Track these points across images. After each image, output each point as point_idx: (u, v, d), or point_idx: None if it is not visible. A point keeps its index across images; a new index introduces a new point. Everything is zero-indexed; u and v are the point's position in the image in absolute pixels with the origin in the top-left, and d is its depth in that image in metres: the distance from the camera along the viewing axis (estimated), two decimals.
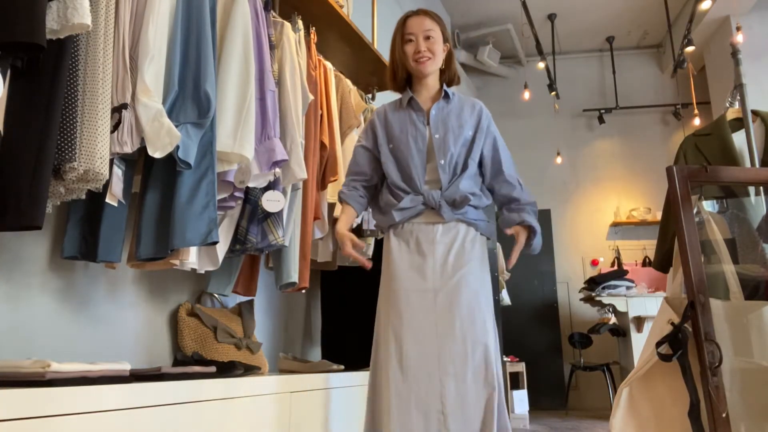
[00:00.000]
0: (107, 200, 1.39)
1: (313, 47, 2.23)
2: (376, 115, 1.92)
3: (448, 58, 1.89)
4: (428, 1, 5.41)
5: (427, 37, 1.81)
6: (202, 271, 1.80)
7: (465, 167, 1.80)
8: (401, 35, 1.84)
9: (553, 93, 6.21)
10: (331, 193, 2.24)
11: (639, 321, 4.72)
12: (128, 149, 1.34)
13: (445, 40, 1.87)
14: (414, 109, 1.85)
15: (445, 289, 1.69)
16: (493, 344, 1.68)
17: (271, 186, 1.81)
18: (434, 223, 1.76)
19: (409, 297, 1.70)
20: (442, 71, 1.88)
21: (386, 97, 3.30)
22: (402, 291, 1.71)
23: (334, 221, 2.35)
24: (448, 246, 1.74)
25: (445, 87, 1.87)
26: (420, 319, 1.68)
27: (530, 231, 1.76)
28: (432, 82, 1.87)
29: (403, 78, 1.89)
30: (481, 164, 1.87)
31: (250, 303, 2.11)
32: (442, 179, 1.77)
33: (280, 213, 1.82)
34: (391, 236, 1.81)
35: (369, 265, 1.84)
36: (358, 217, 1.90)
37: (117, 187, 1.41)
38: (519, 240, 1.75)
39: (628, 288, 4.96)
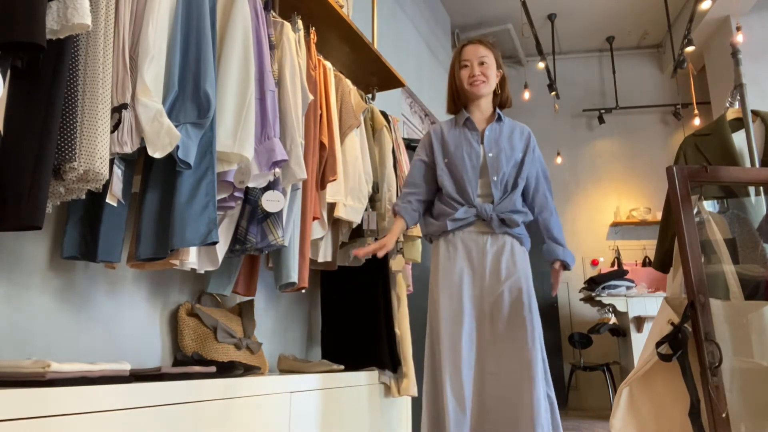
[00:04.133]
0: (107, 200, 1.39)
1: (313, 47, 2.22)
2: (433, 132, 2.12)
3: (502, 83, 2.09)
4: (428, 2, 5.41)
5: (482, 63, 2.01)
6: (202, 271, 1.80)
7: (515, 186, 1.99)
8: (458, 62, 2.04)
9: (553, 93, 6.21)
10: (330, 193, 2.24)
11: (639, 321, 4.72)
12: (128, 149, 1.34)
13: (499, 67, 2.06)
14: (469, 129, 2.03)
15: (495, 296, 1.88)
16: (539, 348, 1.81)
17: (270, 186, 1.81)
18: (484, 233, 1.96)
19: (461, 302, 1.88)
20: (495, 95, 2.08)
21: (386, 97, 3.30)
22: (453, 296, 1.90)
23: (333, 221, 2.35)
24: (497, 256, 1.93)
25: (498, 110, 2.06)
26: (470, 323, 1.86)
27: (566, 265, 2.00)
28: (485, 104, 2.06)
29: (463, 102, 2.08)
30: (526, 185, 2.05)
31: (250, 303, 2.11)
32: (495, 195, 1.95)
33: (279, 213, 1.82)
34: (441, 243, 1.99)
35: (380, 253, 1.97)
36: (407, 229, 2.11)
37: (117, 187, 1.41)
38: (557, 271, 2.01)
39: (628, 288, 4.96)
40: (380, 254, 1.95)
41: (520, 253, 1.97)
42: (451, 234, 1.97)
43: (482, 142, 2.00)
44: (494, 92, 2.08)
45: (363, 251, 1.93)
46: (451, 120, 2.11)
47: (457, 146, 2.00)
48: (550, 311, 6.26)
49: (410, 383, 2.47)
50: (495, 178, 1.95)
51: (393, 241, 1.99)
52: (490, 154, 1.97)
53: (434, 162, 2.04)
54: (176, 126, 1.39)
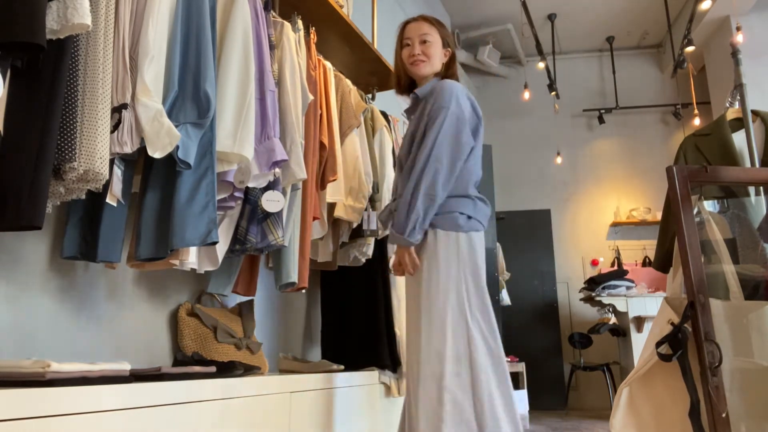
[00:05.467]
0: (107, 200, 1.39)
1: (313, 47, 2.23)
2: None
3: (449, 63, 1.89)
4: (428, 2, 5.41)
5: (423, 41, 1.83)
6: (202, 271, 1.80)
7: (404, 168, 1.76)
8: (400, 41, 1.89)
9: (553, 93, 6.22)
10: (330, 193, 2.24)
11: (639, 321, 4.72)
12: (128, 149, 1.34)
13: (447, 45, 1.88)
14: (407, 117, 1.91)
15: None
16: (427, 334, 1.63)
17: (270, 186, 1.81)
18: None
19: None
20: (442, 77, 1.86)
21: (386, 97, 3.30)
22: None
23: (333, 221, 2.35)
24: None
25: (417, 90, 1.82)
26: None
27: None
28: None
29: (406, 83, 1.92)
30: None
31: (250, 303, 2.11)
32: (399, 188, 1.79)
33: (279, 213, 1.82)
34: None
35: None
36: None
37: (117, 187, 1.41)
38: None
39: (628, 288, 4.96)
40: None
41: (430, 242, 1.68)
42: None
43: None
44: (443, 74, 1.85)
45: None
46: None
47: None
48: (550, 311, 6.26)
49: None
50: (396, 169, 1.83)
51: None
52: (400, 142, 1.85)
53: None
54: (176, 126, 1.39)
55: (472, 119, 1.73)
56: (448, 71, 1.88)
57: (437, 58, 1.84)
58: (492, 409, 1.55)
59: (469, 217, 1.69)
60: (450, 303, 1.62)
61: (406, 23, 1.90)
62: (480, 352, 1.59)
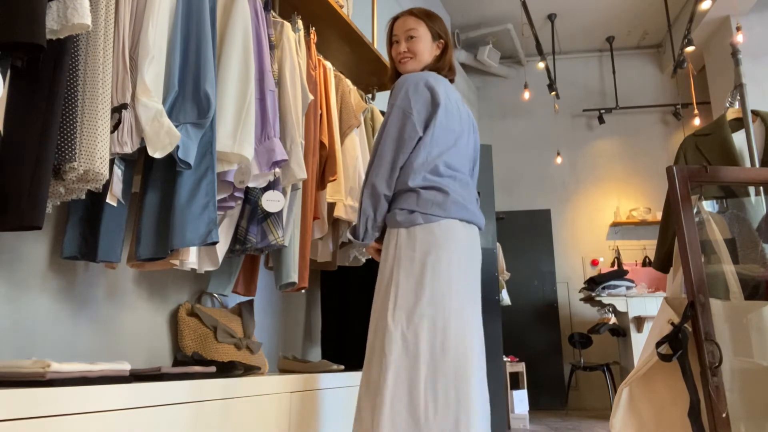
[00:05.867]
0: (107, 200, 1.39)
1: (313, 47, 2.23)
2: None
3: (442, 54, 1.83)
4: (428, 2, 5.41)
5: (410, 37, 1.79)
6: (202, 271, 1.80)
7: None
8: (389, 38, 1.86)
9: (553, 93, 6.22)
10: (330, 193, 2.24)
11: (639, 321, 4.72)
12: (128, 149, 1.34)
13: (437, 37, 1.82)
14: None
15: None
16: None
17: (270, 186, 1.81)
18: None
19: None
20: (432, 69, 1.80)
21: (386, 97, 3.30)
22: None
23: (333, 221, 2.35)
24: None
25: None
26: None
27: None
28: None
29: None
30: None
31: (250, 303, 2.11)
32: None
33: (279, 213, 1.82)
34: None
35: None
36: None
37: (117, 187, 1.41)
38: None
39: (628, 288, 4.96)
40: None
41: (392, 237, 1.63)
42: None
43: None
44: (434, 67, 1.81)
45: None
46: None
47: None
48: (550, 311, 6.26)
49: None
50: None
51: None
52: None
53: None
54: (176, 126, 1.39)
55: (426, 107, 1.68)
56: (437, 63, 1.83)
57: (425, 53, 1.80)
58: (382, 413, 1.45)
59: (411, 211, 1.61)
60: (379, 299, 1.60)
61: (394, 19, 1.86)
62: (395, 353, 1.50)
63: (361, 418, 1.52)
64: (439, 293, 1.55)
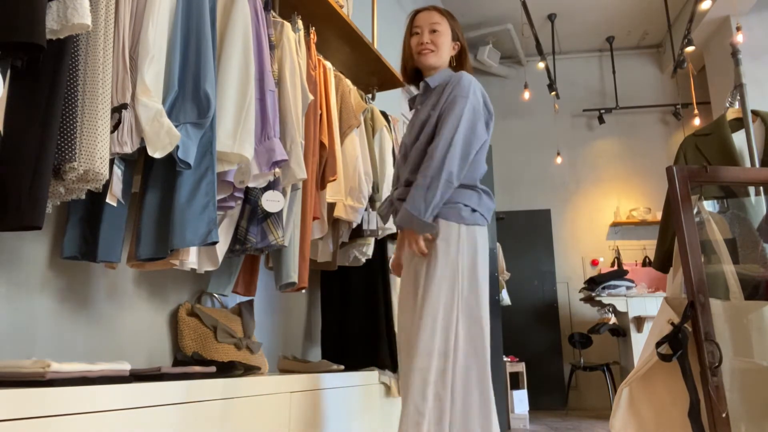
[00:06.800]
0: (107, 200, 1.39)
1: (313, 47, 2.23)
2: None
3: (460, 56, 1.85)
4: (428, 1, 5.41)
5: (433, 31, 1.80)
6: (202, 271, 1.80)
7: (413, 155, 1.72)
8: (410, 29, 1.85)
9: (553, 93, 6.22)
10: (330, 193, 2.24)
11: (639, 321, 4.72)
12: (128, 149, 1.34)
13: (456, 38, 1.84)
14: (411, 108, 1.88)
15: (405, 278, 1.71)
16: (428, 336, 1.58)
17: (270, 186, 1.81)
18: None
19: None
20: (455, 69, 1.83)
21: (386, 97, 3.30)
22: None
23: (333, 221, 2.35)
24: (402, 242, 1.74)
25: (427, 78, 1.79)
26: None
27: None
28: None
29: (412, 72, 1.89)
30: None
31: (250, 303, 2.11)
32: (401, 175, 1.76)
33: (279, 213, 1.82)
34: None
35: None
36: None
37: (117, 187, 1.41)
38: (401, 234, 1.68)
39: (628, 288, 4.96)
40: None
41: (452, 230, 1.64)
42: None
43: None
44: (455, 68, 1.83)
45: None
46: None
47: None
48: (550, 311, 6.26)
49: None
50: (399, 157, 1.78)
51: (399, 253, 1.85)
52: (406, 131, 1.79)
53: None
54: (176, 126, 1.39)
55: (485, 113, 1.71)
56: (463, 65, 1.85)
57: (445, 49, 1.81)
58: (465, 411, 1.51)
59: (473, 210, 1.64)
60: (443, 297, 1.57)
61: (416, 12, 1.86)
62: (462, 352, 1.54)
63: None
64: (484, 294, 1.62)
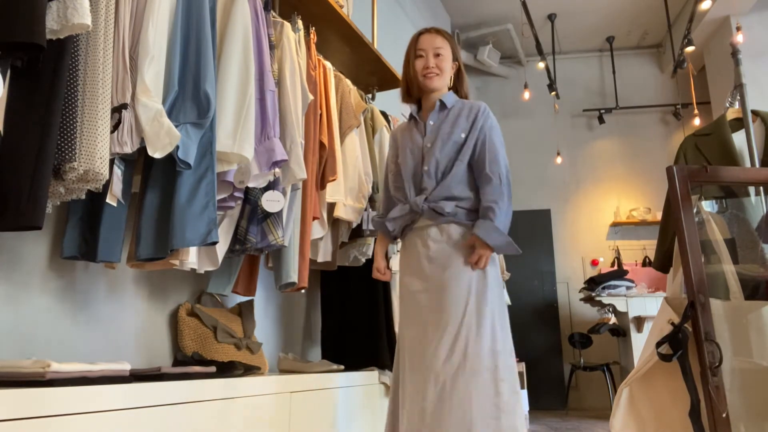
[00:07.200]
0: (107, 200, 1.39)
1: (313, 47, 2.23)
2: (393, 134, 2.06)
3: (458, 76, 1.98)
4: (428, 1, 5.41)
5: (437, 54, 1.90)
6: (202, 271, 1.80)
7: (451, 170, 1.83)
8: (414, 51, 1.94)
9: (553, 93, 6.22)
10: (330, 193, 2.24)
11: (639, 321, 4.72)
12: (128, 149, 1.34)
13: (455, 59, 1.96)
14: (416, 123, 1.95)
15: (432, 289, 1.77)
16: (482, 339, 1.70)
17: (270, 186, 1.81)
18: (427, 227, 1.83)
19: (410, 299, 1.81)
20: (454, 90, 1.96)
21: (386, 97, 3.30)
22: (404, 295, 1.85)
23: (333, 221, 2.35)
24: (440, 247, 1.80)
25: (441, 97, 1.92)
26: (413, 319, 1.78)
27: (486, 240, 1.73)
28: (438, 97, 1.92)
29: (417, 93, 1.96)
30: (474, 166, 1.86)
31: (250, 303, 2.11)
32: (428, 185, 1.84)
33: (279, 213, 1.82)
34: (401, 244, 1.94)
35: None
36: (394, 241, 2.03)
37: (117, 187, 1.41)
38: (474, 248, 1.76)
39: (628, 288, 4.96)
40: (383, 278, 1.99)
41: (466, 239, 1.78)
42: (407, 234, 1.89)
43: (425, 134, 1.90)
44: (454, 87, 1.97)
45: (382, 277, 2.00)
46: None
47: (404, 145, 1.93)
48: (550, 311, 6.26)
49: None
50: (427, 168, 1.84)
51: (382, 261, 1.97)
52: (428, 145, 1.86)
53: (396, 165, 1.96)
54: (176, 126, 1.39)
55: None
56: (461, 83, 1.98)
57: (448, 71, 1.93)
58: (516, 404, 1.71)
59: None
60: (496, 300, 1.75)
61: (419, 34, 1.96)
62: (508, 351, 1.76)
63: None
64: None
